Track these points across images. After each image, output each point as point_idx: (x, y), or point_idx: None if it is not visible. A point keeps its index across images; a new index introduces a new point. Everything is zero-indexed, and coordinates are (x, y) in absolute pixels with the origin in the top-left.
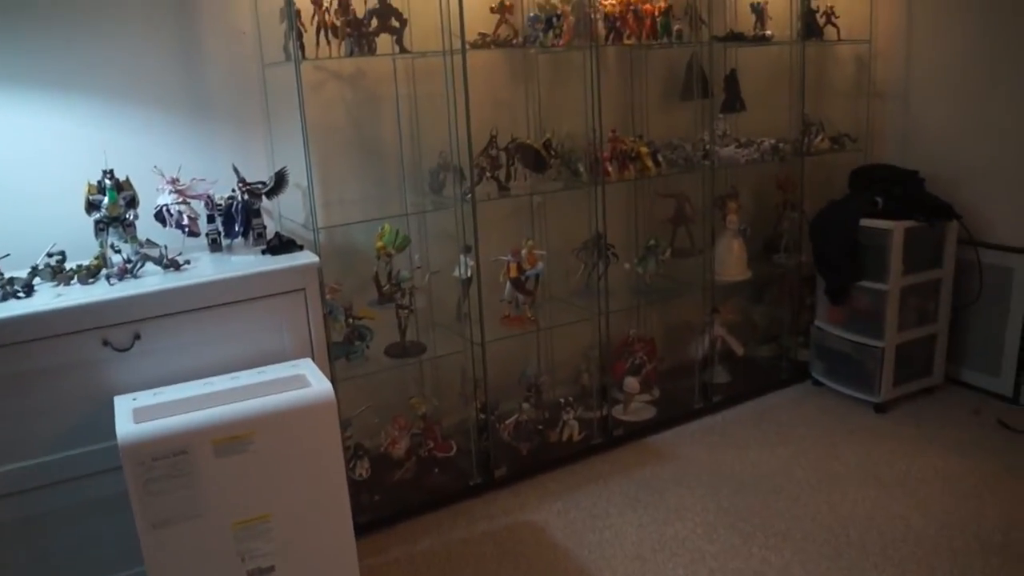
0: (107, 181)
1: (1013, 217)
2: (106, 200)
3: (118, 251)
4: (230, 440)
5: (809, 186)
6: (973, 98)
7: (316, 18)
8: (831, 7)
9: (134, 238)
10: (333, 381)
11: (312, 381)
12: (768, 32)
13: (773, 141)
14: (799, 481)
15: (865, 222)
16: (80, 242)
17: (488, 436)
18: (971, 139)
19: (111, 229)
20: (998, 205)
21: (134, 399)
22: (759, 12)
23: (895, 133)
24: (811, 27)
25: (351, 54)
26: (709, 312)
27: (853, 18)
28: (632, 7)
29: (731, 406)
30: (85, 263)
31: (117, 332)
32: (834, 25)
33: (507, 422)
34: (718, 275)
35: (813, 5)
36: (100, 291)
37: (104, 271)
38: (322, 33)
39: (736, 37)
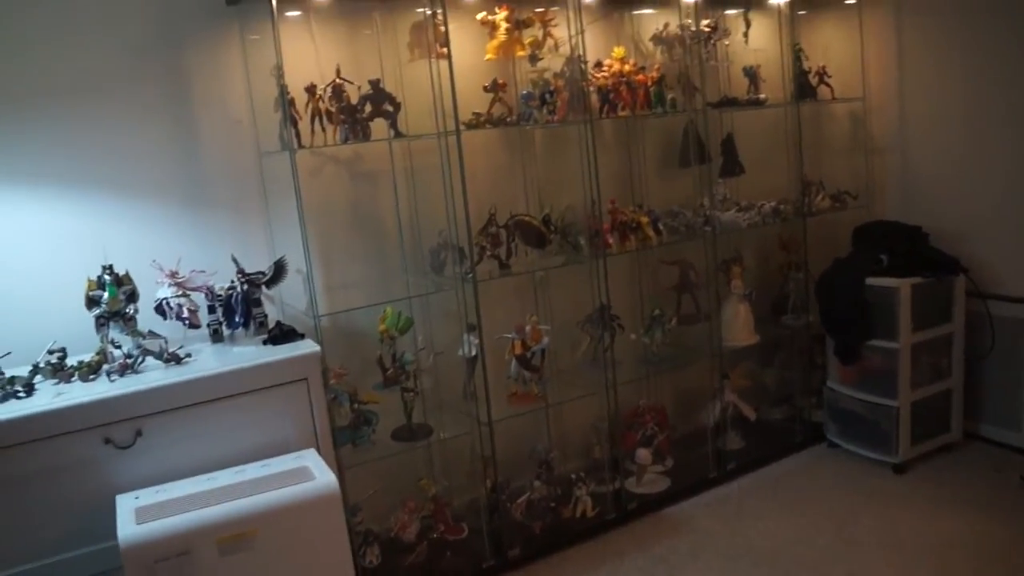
0: (107, 276)
1: (1019, 268)
2: (106, 295)
3: (119, 346)
4: (234, 538)
5: (813, 245)
6: (970, 149)
7: (310, 106)
8: (823, 67)
9: (135, 332)
10: (339, 468)
11: (316, 473)
12: (762, 95)
13: (774, 203)
14: (819, 551)
15: (871, 280)
16: (81, 338)
17: (500, 516)
18: (971, 191)
19: (112, 324)
20: (1004, 256)
21: (136, 498)
22: (752, 76)
23: (895, 188)
24: (804, 88)
25: (346, 141)
26: (719, 378)
27: (845, 76)
28: (625, 79)
29: (746, 473)
30: (86, 359)
31: (119, 429)
32: (827, 84)
33: (519, 501)
34: (726, 341)
35: (805, 66)
36: (101, 388)
37: (105, 367)
38: (316, 120)
39: (730, 102)
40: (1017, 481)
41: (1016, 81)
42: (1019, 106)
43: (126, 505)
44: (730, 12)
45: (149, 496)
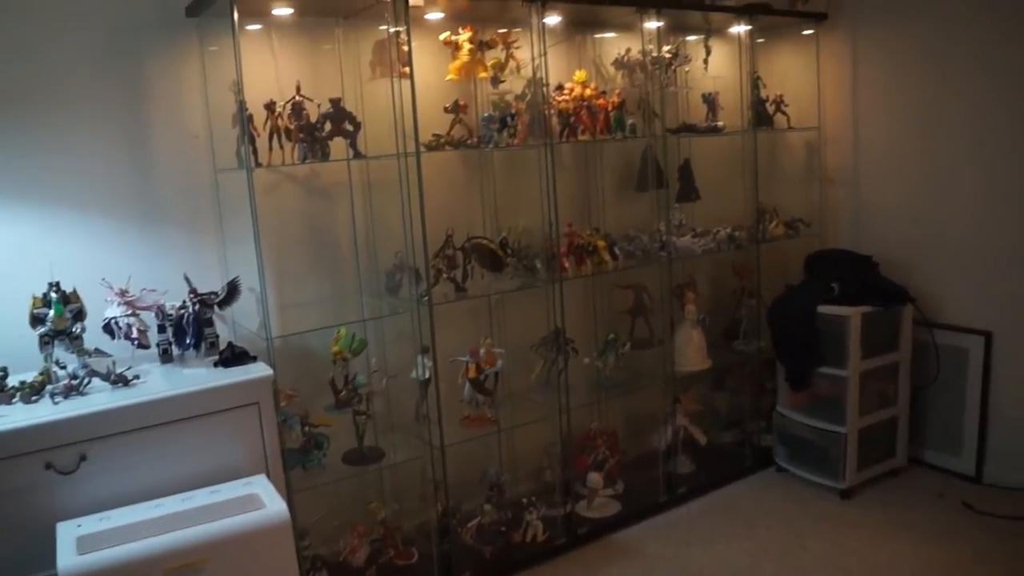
0: (53, 294)
1: (964, 298)
2: (52, 313)
3: (64, 366)
4: (181, 568)
5: (766, 272)
6: (921, 182)
7: (269, 123)
8: (780, 96)
9: (81, 351)
10: (289, 492)
11: (266, 501)
12: (720, 123)
13: (729, 230)
14: None
15: (823, 309)
16: (24, 357)
17: (450, 540)
18: (921, 222)
19: (57, 343)
20: (950, 287)
21: (79, 526)
22: (711, 103)
23: (848, 217)
24: (761, 116)
25: (304, 160)
26: (671, 403)
27: (802, 106)
28: (586, 103)
29: (696, 497)
30: (29, 379)
31: (62, 454)
32: (784, 113)
33: (469, 525)
34: (678, 366)
35: (763, 95)
36: (44, 411)
37: (49, 388)
38: (275, 138)
39: (689, 128)
40: (959, 506)
41: (967, 117)
42: (969, 142)
43: (67, 533)
44: (691, 39)
45: (92, 524)
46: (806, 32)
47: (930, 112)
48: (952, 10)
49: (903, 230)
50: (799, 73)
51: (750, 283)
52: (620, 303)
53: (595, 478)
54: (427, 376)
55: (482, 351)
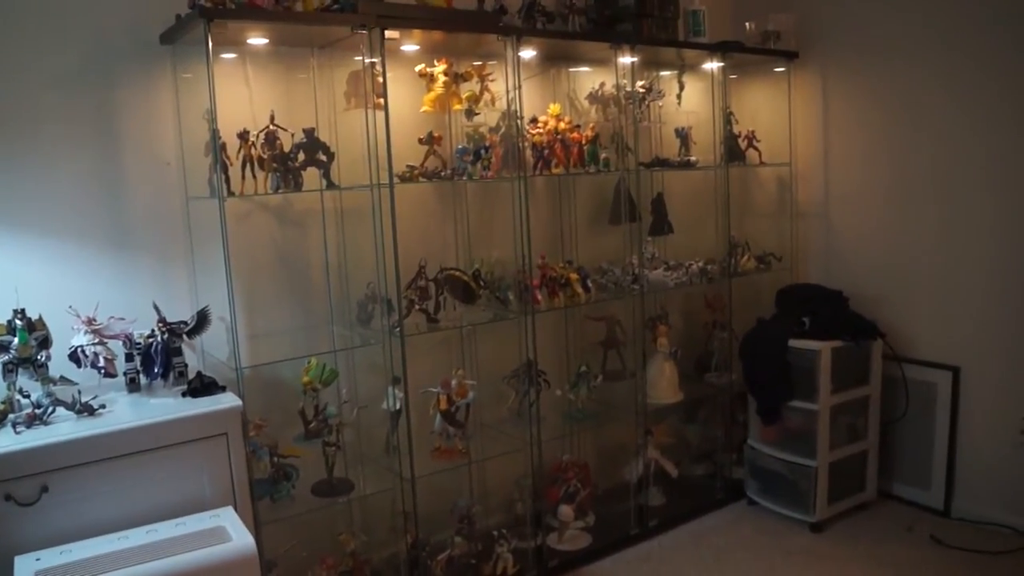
0: (18, 321)
1: (932, 334)
2: (16, 341)
3: (27, 395)
4: None
5: (737, 305)
6: (891, 218)
7: (242, 152)
8: (752, 132)
9: (46, 379)
10: (256, 524)
11: (233, 535)
12: (693, 157)
13: (701, 264)
14: None
15: (793, 343)
16: None
17: (420, 572)
18: (891, 258)
19: (21, 371)
20: (919, 322)
21: (37, 559)
22: (683, 137)
23: (819, 252)
24: (734, 151)
25: (277, 190)
26: (643, 435)
27: (774, 141)
28: (560, 136)
29: (667, 529)
30: None
31: (22, 485)
32: (756, 149)
33: (439, 557)
34: (650, 398)
35: (735, 130)
36: (5, 441)
37: (11, 417)
38: (248, 167)
39: (662, 163)
40: (927, 539)
41: (936, 153)
42: (937, 178)
43: (25, 567)
44: (665, 74)
45: (52, 557)
46: (778, 69)
47: (899, 148)
48: (922, 49)
49: (873, 265)
50: (771, 109)
51: (722, 316)
52: (592, 335)
53: (566, 511)
54: (398, 407)
55: (454, 382)
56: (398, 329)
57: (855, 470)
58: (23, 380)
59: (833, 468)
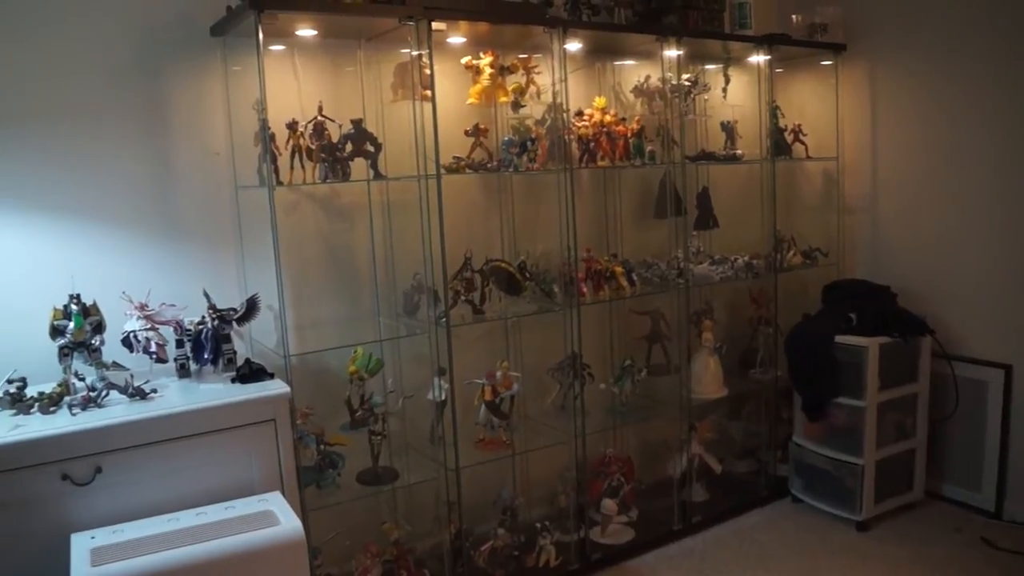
0: (73, 306)
1: (984, 331)
2: (72, 325)
3: (82, 378)
4: None
5: (783, 301)
6: (940, 212)
7: (291, 142)
8: (799, 125)
9: (100, 363)
10: (303, 511)
11: (281, 518)
12: (738, 151)
13: (747, 258)
14: None
15: (840, 339)
16: (43, 368)
17: (463, 563)
18: (941, 253)
19: (76, 355)
20: (970, 319)
21: (92, 537)
22: (729, 131)
23: (866, 247)
24: (780, 145)
25: (325, 180)
26: (686, 430)
27: (821, 135)
28: (605, 129)
29: (710, 526)
30: (47, 390)
31: (77, 465)
32: (802, 143)
33: (482, 548)
34: (695, 393)
35: (781, 123)
36: (61, 422)
37: (67, 399)
38: (296, 157)
39: (707, 156)
40: (977, 541)
41: (989, 146)
42: (991, 172)
43: (81, 545)
44: (710, 67)
45: (106, 536)
46: (825, 62)
47: (951, 142)
48: (978, 41)
49: (922, 261)
50: (818, 102)
51: (767, 312)
52: (637, 329)
53: (609, 504)
54: (443, 398)
55: (498, 374)
56: (444, 320)
57: (902, 469)
58: (78, 364)
59: (880, 466)
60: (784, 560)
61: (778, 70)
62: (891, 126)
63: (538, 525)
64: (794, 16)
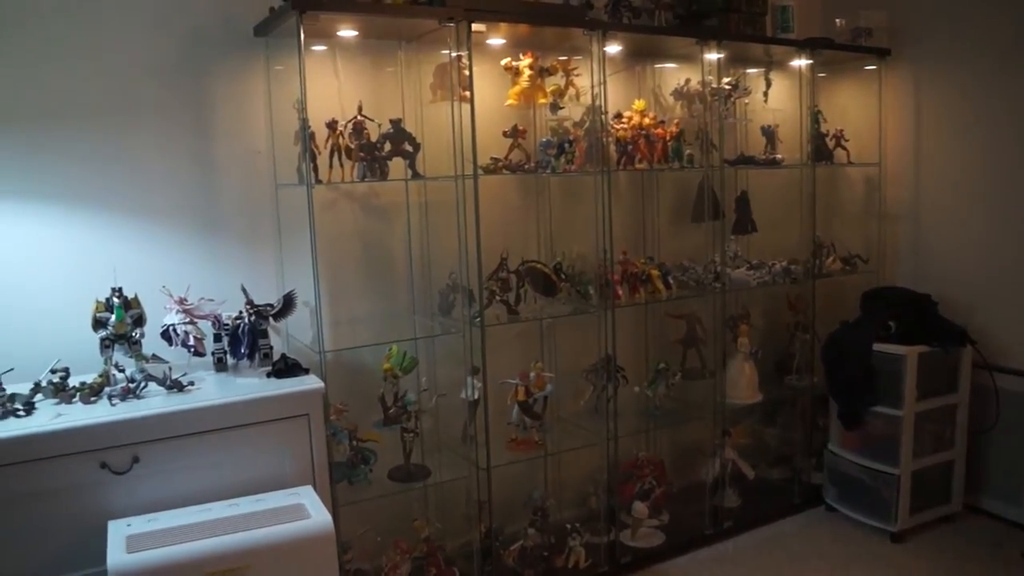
0: (115, 299)
1: None
2: (113, 318)
3: (122, 370)
4: (224, 573)
5: (821, 307)
6: (984, 220)
7: (330, 141)
8: (840, 130)
9: (139, 356)
10: (334, 506)
11: (312, 512)
12: (779, 155)
13: (785, 263)
14: None
15: (878, 347)
16: (85, 358)
17: (492, 562)
18: (983, 262)
19: (116, 347)
20: (1013, 329)
21: (128, 525)
22: (770, 136)
23: (907, 255)
24: (821, 150)
25: (364, 178)
26: (720, 435)
27: (862, 141)
28: (644, 132)
29: (742, 532)
30: (88, 380)
31: (116, 454)
32: (844, 148)
33: (512, 547)
34: (729, 398)
35: (823, 129)
36: (101, 411)
37: (107, 390)
38: (335, 156)
39: (747, 160)
40: (1017, 557)
41: None
42: None
43: (118, 532)
44: (751, 71)
45: (141, 524)
46: (868, 67)
47: (998, 151)
48: (1019, 45)
49: (964, 270)
50: (860, 108)
51: (804, 318)
52: (672, 332)
53: (640, 507)
54: (476, 397)
55: (532, 374)
56: (479, 319)
57: (940, 480)
58: (118, 355)
59: (916, 477)
60: (816, 569)
61: (820, 74)
62: (935, 133)
63: (568, 526)
64: (838, 20)
